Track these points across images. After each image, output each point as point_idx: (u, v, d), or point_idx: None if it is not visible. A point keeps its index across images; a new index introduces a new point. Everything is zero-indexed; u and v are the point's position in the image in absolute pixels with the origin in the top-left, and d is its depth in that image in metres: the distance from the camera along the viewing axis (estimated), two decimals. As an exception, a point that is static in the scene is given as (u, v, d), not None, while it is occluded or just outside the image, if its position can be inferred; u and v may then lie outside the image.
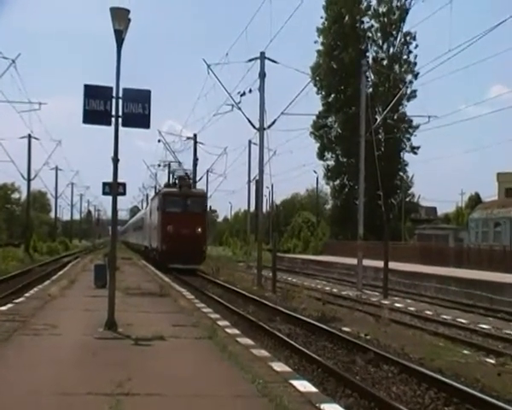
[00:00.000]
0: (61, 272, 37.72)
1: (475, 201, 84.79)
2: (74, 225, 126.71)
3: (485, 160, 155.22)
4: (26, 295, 23.19)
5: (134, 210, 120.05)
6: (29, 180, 67.31)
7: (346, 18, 75.41)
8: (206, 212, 47.10)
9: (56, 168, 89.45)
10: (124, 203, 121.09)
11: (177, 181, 46.32)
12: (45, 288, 25.80)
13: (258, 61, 34.62)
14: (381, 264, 33.93)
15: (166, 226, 42.06)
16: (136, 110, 15.12)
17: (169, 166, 52.31)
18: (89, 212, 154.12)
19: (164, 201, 43.54)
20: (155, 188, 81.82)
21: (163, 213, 43.07)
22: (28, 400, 8.65)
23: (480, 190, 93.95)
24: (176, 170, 50.42)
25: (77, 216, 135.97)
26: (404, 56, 75.55)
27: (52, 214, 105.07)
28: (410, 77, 73.54)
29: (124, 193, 29.03)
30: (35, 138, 65.40)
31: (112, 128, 15.14)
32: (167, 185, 49.29)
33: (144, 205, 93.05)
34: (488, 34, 25.64)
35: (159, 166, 68.83)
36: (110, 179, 16.75)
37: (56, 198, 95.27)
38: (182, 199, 42.82)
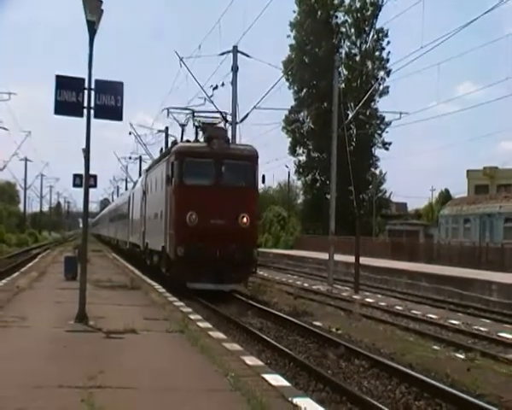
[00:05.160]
0: (30, 264, 37.43)
1: (445, 197, 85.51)
2: (44, 218, 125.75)
3: (455, 157, 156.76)
4: (-5, 287, 22.96)
5: (104, 202, 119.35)
6: (-3, 171, 66.78)
7: (319, 12, 75.51)
8: (258, 187, 26.48)
9: (26, 159, 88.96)
10: (94, 196, 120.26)
11: (202, 132, 26.81)
12: (14, 280, 25.57)
13: (231, 54, 34.60)
14: (352, 259, 34.08)
15: (186, 212, 23.90)
16: (109, 102, 14.99)
17: (193, 114, 28.19)
18: (58, 204, 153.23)
19: (181, 165, 24.46)
20: (126, 181, 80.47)
21: (179, 187, 24.45)
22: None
23: (450, 186, 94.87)
24: (200, 114, 28.44)
25: (46, 208, 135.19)
26: (377, 53, 75.90)
27: (21, 206, 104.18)
28: (382, 73, 73.97)
29: (95, 185, 29.17)
30: (4, 129, 64.90)
31: (84, 120, 15.04)
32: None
33: (115, 197, 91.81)
34: (459, 32, 25.92)
35: (130, 158, 68.49)
36: (80, 171, 16.55)
37: (25, 190, 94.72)
38: (214, 163, 24.31)
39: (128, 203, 44.74)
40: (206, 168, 24.47)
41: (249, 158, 25.16)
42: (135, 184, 47.40)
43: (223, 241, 23.44)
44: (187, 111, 29.28)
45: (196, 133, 27.28)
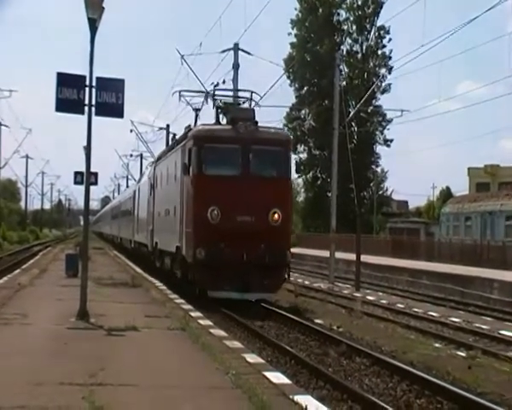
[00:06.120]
0: (31, 262, 37.46)
1: (446, 195, 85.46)
2: (45, 215, 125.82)
3: (455, 154, 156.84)
4: (-4, 284, 22.97)
5: (105, 200, 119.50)
6: (-2, 168, 66.86)
7: (321, 10, 75.50)
8: (291, 177, 23.92)
9: (27, 157, 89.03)
10: (95, 193, 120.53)
11: (223, 115, 23.28)
12: (15, 277, 25.59)
13: (232, 52, 34.55)
14: (353, 257, 34.07)
15: (206, 208, 20.34)
16: (110, 99, 14.99)
17: (214, 93, 24.80)
18: (59, 201, 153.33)
19: (200, 152, 20.94)
20: (127, 178, 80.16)
21: (199, 178, 20.98)
22: (-1, 390, 8.55)
23: (451, 184, 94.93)
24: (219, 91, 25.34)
25: (47, 205, 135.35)
26: (379, 51, 75.94)
27: (22, 203, 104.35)
28: (383, 71, 73.99)
29: (96, 183, 29.11)
30: (5, 126, 64.98)
31: (84, 117, 15.04)
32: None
33: (116, 195, 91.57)
34: (460, 30, 26.02)
35: (131, 156, 68.44)
36: (81, 168, 16.54)
37: (26, 187, 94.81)
38: (240, 149, 20.85)
39: (133, 199, 41.77)
40: (231, 155, 20.99)
41: (282, 143, 21.73)
42: (140, 177, 44.42)
43: (250, 241, 19.97)
44: (202, 93, 25.96)
45: (217, 115, 23.41)
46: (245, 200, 20.39)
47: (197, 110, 26.14)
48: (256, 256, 19.95)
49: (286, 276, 21.32)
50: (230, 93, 25.83)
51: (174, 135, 33.80)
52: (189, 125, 24.85)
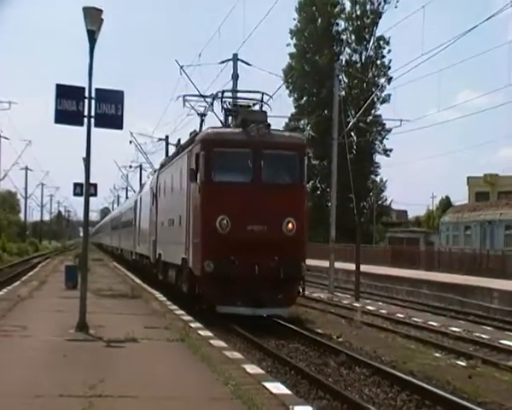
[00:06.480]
0: (30, 273, 37.39)
1: (446, 204, 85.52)
2: (44, 226, 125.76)
3: (455, 164, 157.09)
4: (-4, 296, 22.94)
5: (105, 211, 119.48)
6: (-2, 180, 66.90)
7: (320, 20, 75.73)
8: (305, 183, 22.47)
9: (26, 168, 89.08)
10: (94, 204, 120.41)
11: (232, 116, 21.80)
12: (15, 289, 25.54)
13: (231, 62, 34.59)
14: (352, 266, 34.05)
15: (215, 217, 18.91)
16: (109, 111, 15.01)
17: (222, 96, 23.14)
18: (59, 213, 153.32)
19: (209, 157, 19.39)
20: (126, 189, 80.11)
21: (207, 185, 19.45)
22: (-2, 402, 8.54)
23: (450, 193, 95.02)
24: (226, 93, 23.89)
25: (47, 217, 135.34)
26: (378, 61, 76.15)
27: (22, 215, 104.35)
28: (383, 80, 74.16)
29: (95, 194, 29.12)
30: (4, 138, 65.06)
31: (84, 129, 15.05)
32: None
33: (115, 206, 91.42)
34: (459, 40, 26.08)
35: (130, 167, 68.39)
36: (81, 180, 16.53)
37: (26, 199, 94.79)
38: (252, 153, 19.37)
39: (134, 209, 40.26)
40: (242, 160, 19.45)
41: (296, 147, 20.15)
42: (142, 187, 42.96)
43: (263, 253, 18.55)
44: (208, 97, 24.51)
45: (226, 118, 21.96)
46: (256, 208, 18.93)
47: (202, 115, 25.12)
48: (269, 269, 18.66)
49: (301, 289, 19.90)
50: (239, 95, 24.93)
51: (179, 140, 31.71)
52: (195, 131, 23.70)
